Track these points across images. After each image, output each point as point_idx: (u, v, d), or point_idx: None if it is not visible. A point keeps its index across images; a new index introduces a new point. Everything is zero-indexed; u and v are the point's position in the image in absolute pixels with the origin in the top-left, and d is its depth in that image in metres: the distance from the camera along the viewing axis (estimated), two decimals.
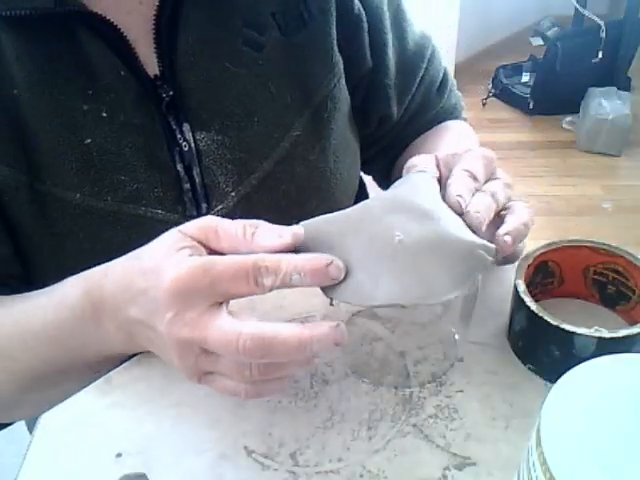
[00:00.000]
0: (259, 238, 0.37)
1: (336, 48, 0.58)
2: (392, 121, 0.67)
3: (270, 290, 0.36)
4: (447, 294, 0.37)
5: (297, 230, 0.38)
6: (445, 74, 0.71)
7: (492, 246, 0.40)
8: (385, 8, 0.61)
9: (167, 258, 0.36)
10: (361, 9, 0.58)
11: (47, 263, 0.53)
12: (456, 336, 0.47)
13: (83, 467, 0.41)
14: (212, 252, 0.38)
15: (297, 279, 0.35)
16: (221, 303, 0.36)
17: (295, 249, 0.38)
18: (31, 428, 0.71)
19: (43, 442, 0.43)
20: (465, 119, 0.76)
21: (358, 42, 0.60)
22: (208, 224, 0.38)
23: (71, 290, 0.43)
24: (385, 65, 0.62)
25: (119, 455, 0.41)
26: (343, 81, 0.60)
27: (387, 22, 0.61)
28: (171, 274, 0.35)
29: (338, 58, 0.58)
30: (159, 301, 0.36)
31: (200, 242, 0.38)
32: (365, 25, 0.59)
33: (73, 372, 0.47)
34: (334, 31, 0.57)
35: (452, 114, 0.72)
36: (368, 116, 0.65)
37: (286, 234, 0.37)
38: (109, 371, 0.47)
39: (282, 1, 0.54)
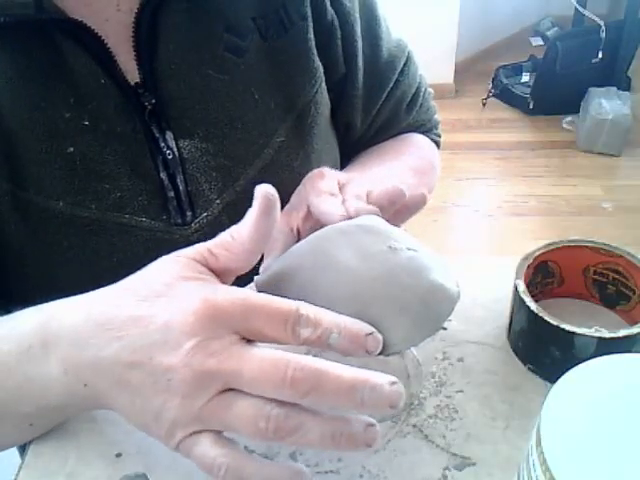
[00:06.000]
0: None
1: (316, 53, 0.57)
2: (355, 130, 0.66)
3: (303, 344, 0.33)
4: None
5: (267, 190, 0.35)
6: (419, 87, 0.69)
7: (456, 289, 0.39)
8: (357, 15, 0.60)
9: (184, 281, 0.33)
10: (334, 16, 0.58)
11: (33, 274, 0.52)
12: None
13: (83, 467, 0.41)
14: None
15: (335, 338, 0.32)
16: (249, 341, 0.33)
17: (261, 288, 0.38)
18: None
19: (43, 442, 0.43)
20: (439, 135, 0.75)
21: (332, 49, 0.59)
22: (219, 241, 0.36)
23: (23, 322, 0.39)
24: (353, 74, 0.61)
25: (119, 455, 0.41)
26: (324, 85, 0.60)
27: (358, 29, 0.60)
28: (204, 295, 0.32)
29: (319, 63, 0.58)
30: (175, 328, 0.32)
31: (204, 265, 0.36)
32: (338, 32, 0.59)
33: (6, 417, 0.40)
34: (312, 37, 0.57)
35: (419, 130, 0.72)
36: (335, 122, 0.65)
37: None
38: (46, 429, 0.42)
39: (262, 6, 0.54)
